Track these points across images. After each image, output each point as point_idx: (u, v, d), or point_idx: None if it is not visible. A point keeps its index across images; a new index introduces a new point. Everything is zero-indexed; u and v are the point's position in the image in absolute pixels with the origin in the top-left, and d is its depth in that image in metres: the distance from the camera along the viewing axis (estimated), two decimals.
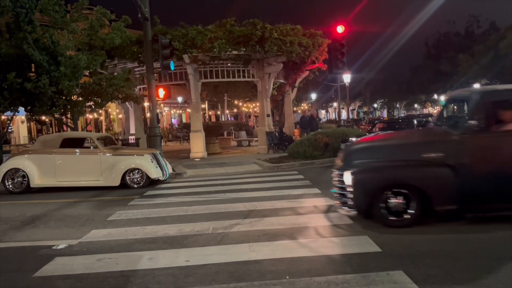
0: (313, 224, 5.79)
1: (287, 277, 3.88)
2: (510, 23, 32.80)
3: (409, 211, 5.28)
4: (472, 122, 5.24)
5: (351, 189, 5.40)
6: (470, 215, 5.26)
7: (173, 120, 43.95)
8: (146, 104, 18.28)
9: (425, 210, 5.28)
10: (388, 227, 5.27)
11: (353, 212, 5.56)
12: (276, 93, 20.50)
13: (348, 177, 5.45)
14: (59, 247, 5.28)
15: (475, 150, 5.20)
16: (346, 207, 5.55)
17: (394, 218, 5.29)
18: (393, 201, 5.28)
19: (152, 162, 10.17)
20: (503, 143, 5.26)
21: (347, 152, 6.05)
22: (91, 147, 10.37)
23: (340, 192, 5.68)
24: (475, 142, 5.21)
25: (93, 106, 14.02)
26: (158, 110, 13.42)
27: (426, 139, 5.91)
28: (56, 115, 13.83)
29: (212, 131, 18.52)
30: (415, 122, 14.14)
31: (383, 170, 5.45)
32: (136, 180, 9.97)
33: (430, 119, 20.64)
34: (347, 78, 23.89)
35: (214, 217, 6.41)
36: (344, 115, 54.36)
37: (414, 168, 5.33)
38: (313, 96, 47.79)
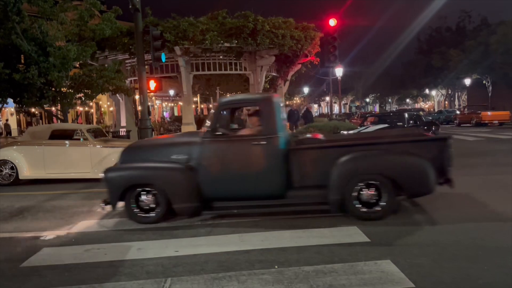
0: (301, 214, 5.80)
1: (276, 267, 3.90)
2: (501, 19, 33.09)
3: (156, 209, 5.59)
4: (210, 127, 5.65)
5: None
6: (207, 212, 5.59)
7: (164, 113, 43.73)
8: (137, 96, 18.15)
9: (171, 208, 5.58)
10: (140, 223, 5.59)
11: (108, 208, 5.82)
12: (268, 87, 20.48)
13: (102, 175, 5.79)
14: (48, 238, 5.25)
15: (210, 153, 5.58)
16: (104, 204, 5.80)
17: (141, 214, 5.63)
18: (143, 198, 5.60)
19: None
20: (233, 147, 5.62)
21: (121, 152, 6.23)
22: (81, 139, 10.29)
23: None
24: (212, 145, 5.60)
25: (83, 98, 13.87)
26: (149, 103, 13.31)
27: (179, 141, 6.23)
28: (46, 107, 13.67)
29: (204, 124, 18.45)
30: (406, 116, 14.18)
31: (128, 170, 5.81)
32: None
33: (421, 113, 20.77)
34: (339, 72, 23.96)
35: None
36: (336, 109, 54.52)
37: (157, 169, 5.66)
38: (306, 90, 47.88)
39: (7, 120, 26.77)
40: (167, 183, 5.53)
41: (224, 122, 5.89)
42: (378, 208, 5.27)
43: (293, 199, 5.50)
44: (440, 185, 5.47)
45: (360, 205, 5.28)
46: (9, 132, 25.02)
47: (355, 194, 5.25)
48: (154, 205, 5.60)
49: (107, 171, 5.82)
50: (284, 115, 5.95)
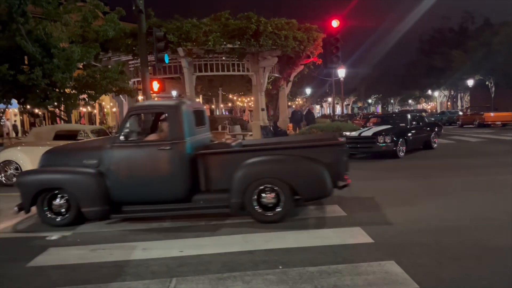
0: (306, 215, 5.84)
1: (280, 267, 3.92)
2: (504, 19, 33.02)
3: (67, 212, 5.75)
4: (119, 133, 5.87)
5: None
6: (115, 216, 5.73)
7: None
8: (140, 97, 18.22)
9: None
10: (54, 226, 5.72)
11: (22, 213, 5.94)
12: (270, 87, 20.49)
13: (15, 180, 5.88)
14: (53, 238, 5.29)
15: (119, 158, 5.73)
16: (17, 209, 5.90)
17: (53, 217, 5.79)
18: (55, 202, 5.77)
19: None
20: (140, 152, 5.77)
21: (41, 156, 6.34)
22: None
23: None
24: (120, 151, 5.75)
25: (86, 99, 13.93)
26: None
27: (90, 146, 6.37)
28: (50, 108, 13.73)
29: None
30: (409, 117, 14.16)
31: (40, 174, 5.99)
32: None
33: (423, 114, 20.77)
34: (341, 73, 23.91)
35: None
36: (338, 110, 54.47)
37: (66, 173, 5.81)
38: (308, 91, 47.86)
39: (15, 121, 27.34)
40: (76, 187, 5.67)
41: (133, 127, 6.06)
42: (276, 211, 5.45)
43: (198, 203, 5.64)
44: (339, 189, 5.68)
45: (259, 208, 5.45)
46: (17, 133, 25.58)
47: (255, 197, 5.43)
48: (65, 209, 5.75)
49: (19, 175, 5.95)
50: (193, 120, 6.06)
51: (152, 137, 6.12)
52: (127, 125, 5.90)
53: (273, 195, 5.44)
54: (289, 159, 5.62)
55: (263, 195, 5.45)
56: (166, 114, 5.99)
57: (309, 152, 5.64)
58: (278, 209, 5.44)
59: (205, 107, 43.40)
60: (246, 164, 5.49)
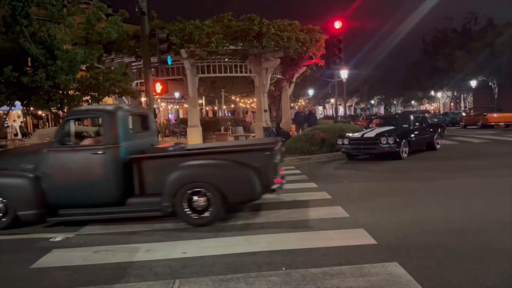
0: (309, 217, 5.84)
1: (283, 269, 3.92)
2: (507, 20, 32.94)
3: (4, 217, 5.81)
4: (56, 137, 5.97)
5: None
6: (51, 219, 5.82)
7: (170, 115, 43.88)
8: (143, 99, 18.25)
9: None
10: None
11: None
12: (273, 89, 20.49)
13: None
14: (57, 239, 5.32)
15: (54, 162, 5.81)
16: None
17: None
18: None
19: None
20: (75, 156, 5.86)
21: None
22: None
23: None
24: (56, 155, 5.84)
25: (90, 101, 13.96)
26: (155, 105, 13.43)
27: (28, 151, 6.45)
28: (53, 110, 13.77)
29: (209, 126, 18.52)
30: (412, 118, 14.12)
31: None
32: None
33: (426, 115, 20.72)
34: (344, 74, 23.96)
35: None
36: (341, 111, 54.45)
37: (3, 177, 5.87)
38: (310, 92, 47.90)
39: (22, 122, 27.59)
40: (11, 190, 5.75)
41: (70, 132, 6.09)
42: (206, 214, 5.53)
43: (132, 206, 5.71)
44: (270, 193, 5.78)
45: (189, 211, 5.53)
46: (24, 134, 25.82)
47: (185, 201, 5.53)
48: (2, 213, 5.79)
49: None
50: (130, 125, 6.16)
51: (88, 141, 6.21)
52: (64, 129, 5.96)
53: (204, 198, 5.53)
54: (218, 163, 5.73)
55: (195, 198, 5.53)
56: (102, 119, 6.08)
57: (238, 156, 5.74)
58: (206, 214, 5.54)
59: (208, 108, 43.53)
60: (176, 169, 5.58)
